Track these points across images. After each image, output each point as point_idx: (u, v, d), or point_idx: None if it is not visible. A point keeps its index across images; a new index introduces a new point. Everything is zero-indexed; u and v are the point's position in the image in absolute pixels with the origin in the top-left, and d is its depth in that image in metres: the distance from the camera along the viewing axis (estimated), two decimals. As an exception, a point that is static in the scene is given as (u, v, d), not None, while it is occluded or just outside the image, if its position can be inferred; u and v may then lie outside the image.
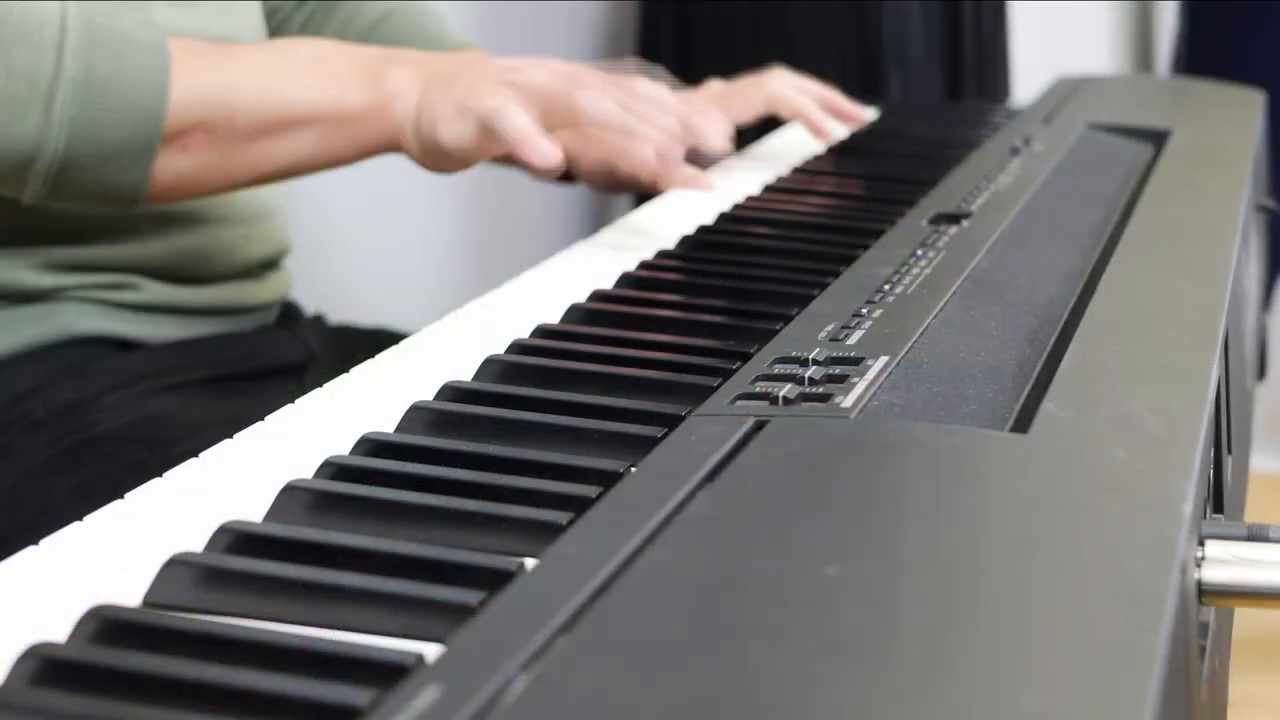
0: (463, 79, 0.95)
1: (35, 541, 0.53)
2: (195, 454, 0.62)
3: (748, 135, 1.36)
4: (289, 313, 1.19)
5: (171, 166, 0.93)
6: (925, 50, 2.08)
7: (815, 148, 1.26)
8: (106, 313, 1.04)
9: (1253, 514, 0.81)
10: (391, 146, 0.98)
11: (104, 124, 0.90)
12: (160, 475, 0.59)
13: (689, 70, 2.20)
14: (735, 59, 2.14)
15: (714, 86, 1.24)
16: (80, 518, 0.55)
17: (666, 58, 2.21)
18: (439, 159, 0.97)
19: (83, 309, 1.03)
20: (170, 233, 1.06)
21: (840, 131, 1.29)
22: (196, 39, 0.96)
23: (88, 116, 0.89)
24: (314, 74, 0.96)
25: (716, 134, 0.97)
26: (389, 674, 0.44)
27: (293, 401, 0.68)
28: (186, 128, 0.92)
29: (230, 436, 0.64)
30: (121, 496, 0.57)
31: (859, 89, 2.04)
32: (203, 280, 1.09)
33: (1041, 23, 2.43)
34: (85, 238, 1.02)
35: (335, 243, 2.20)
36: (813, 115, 1.23)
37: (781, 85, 1.23)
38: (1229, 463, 0.74)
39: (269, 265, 1.16)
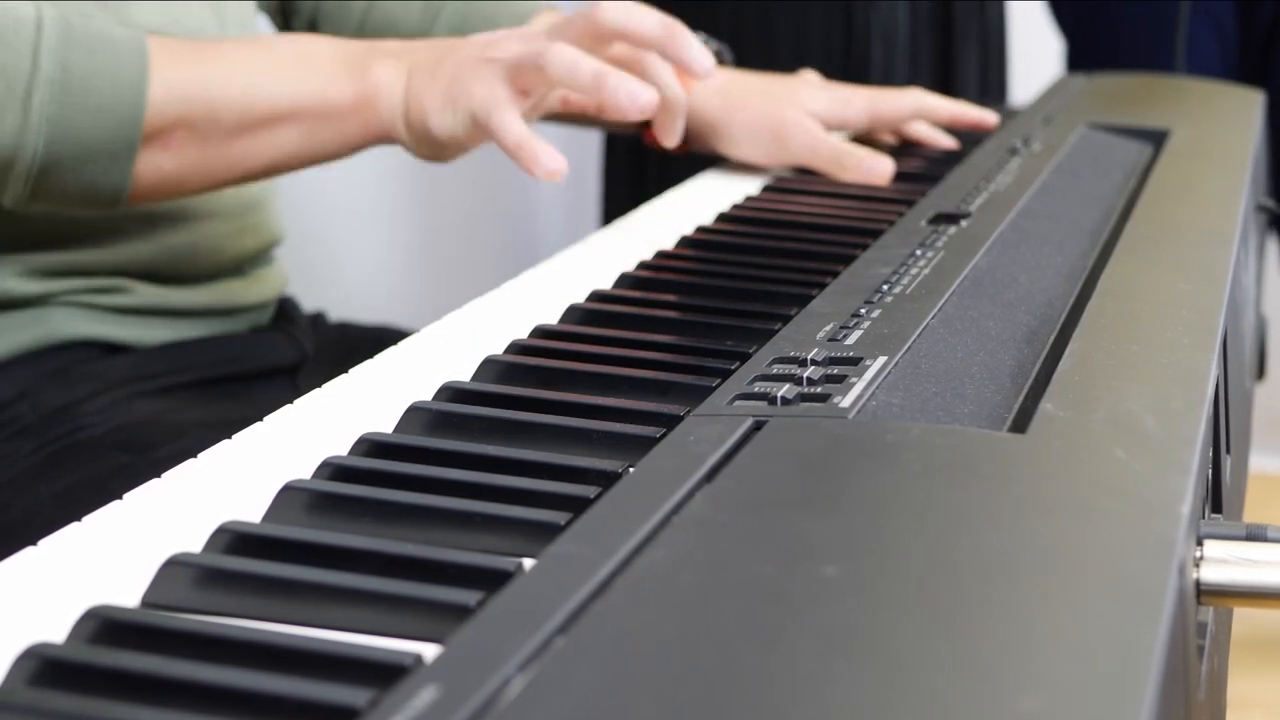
0: (444, 66, 0.94)
1: (20, 547, 0.53)
2: (182, 458, 0.61)
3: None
4: (285, 311, 1.18)
5: (155, 166, 0.93)
6: (912, 56, 2.08)
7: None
8: (96, 317, 1.03)
9: (1251, 514, 0.81)
10: (380, 140, 0.97)
11: (83, 124, 0.89)
12: (146, 479, 0.59)
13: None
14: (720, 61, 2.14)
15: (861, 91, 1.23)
16: (65, 523, 0.55)
17: None
18: (434, 149, 0.96)
19: (72, 314, 1.03)
20: (158, 232, 1.05)
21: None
22: (175, 37, 0.95)
23: (66, 116, 0.89)
24: (296, 69, 0.95)
25: (701, 61, 0.95)
26: (387, 674, 0.44)
27: (284, 403, 0.68)
28: (167, 126, 0.92)
29: (220, 439, 0.64)
30: (105, 501, 0.57)
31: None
32: (194, 279, 1.09)
33: (1041, 23, 2.43)
34: (71, 242, 1.02)
35: (335, 241, 2.20)
36: (965, 114, 1.23)
37: (929, 96, 1.23)
38: (1228, 462, 0.74)
39: (261, 259, 1.15)
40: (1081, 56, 2.10)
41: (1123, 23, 2.02)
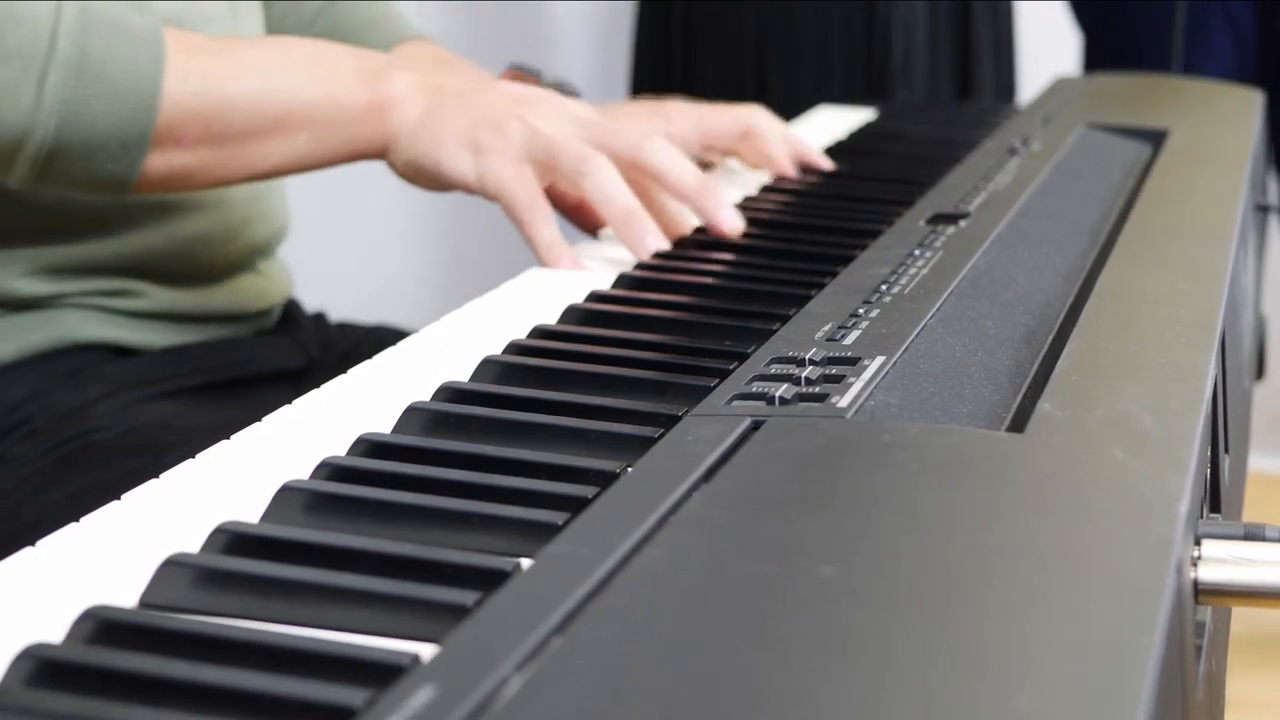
0: (471, 104, 0.94)
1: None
2: None
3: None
4: (290, 315, 1.18)
5: (165, 159, 0.92)
6: (932, 52, 2.09)
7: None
8: (108, 320, 1.03)
9: (1250, 514, 0.81)
10: (383, 151, 0.96)
11: (96, 110, 0.88)
12: (156, 483, 0.59)
13: (690, 76, 2.21)
14: (739, 60, 2.15)
15: (690, 106, 1.18)
16: None
17: (670, 58, 2.22)
18: (422, 177, 0.96)
19: (83, 316, 1.02)
20: (169, 222, 1.05)
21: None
22: (192, 31, 0.95)
23: (80, 101, 0.88)
24: (312, 71, 0.94)
25: (729, 222, 0.95)
26: (384, 674, 0.44)
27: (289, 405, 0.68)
28: (181, 120, 0.91)
29: (227, 441, 0.63)
30: None
31: (864, 93, 2.05)
32: (206, 277, 1.08)
33: (1042, 23, 2.44)
34: (81, 234, 1.01)
35: (335, 240, 2.20)
36: (781, 167, 1.15)
37: (765, 122, 1.16)
38: (1226, 462, 0.74)
39: (270, 251, 1.15)
40: (1098, 54, 2.10)
41: (1140, 22, 2.03)
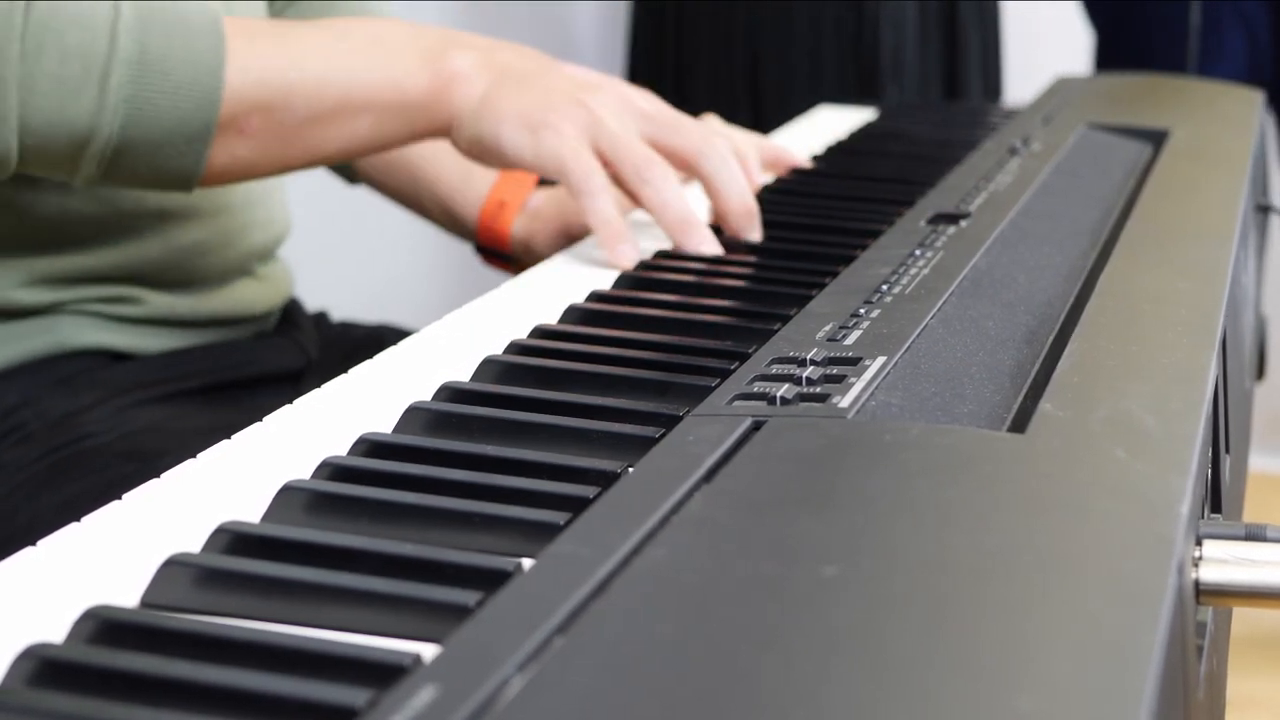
0: (533, 84, 0.94)
1: None
2: None
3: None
4: (289, 316, 1.18)
5: (229, 150, 0.91)
6: (921, 51, 2.10)
7: (813, 147, 1.26)
8: (105, 326, 1.02)
9: (1251, 514, 0.81)
10: (445, 131, 0.96)
11: (159, 105, 0.87)
12: (150, 489, 0.59)
13: (684, 73, 2.22)
14: (731, 59, 2.16)
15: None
16: None
17: (664, 58, 2.23)
18: (486, 155, 0.95)
19: (81, 322, 1.02)
20: (167, 230, 1.04)
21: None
22: (251, 18, 0.94)
23: (143, 97, 0.87)
24: (373, 55, 0.94)
25: (755, 232, 0.96)
26: (386, 674, 0.44)
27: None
28: (244, 110, 0.90)
29: (223, 445, 0.63)
30: None
31: (855, 91, 2.06)
32: (204, 282, 1.08)
33: (1038, 23, 2.44)
34: (78, 244, 1.01)
35: (338, 240, 2.20)
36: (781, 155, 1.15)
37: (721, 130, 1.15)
38: (1227, 462, 0.74)
39: (269, 256, 1.15)
40: (1111, 54, 2.11)
41: (1154, 22, 2.03)
